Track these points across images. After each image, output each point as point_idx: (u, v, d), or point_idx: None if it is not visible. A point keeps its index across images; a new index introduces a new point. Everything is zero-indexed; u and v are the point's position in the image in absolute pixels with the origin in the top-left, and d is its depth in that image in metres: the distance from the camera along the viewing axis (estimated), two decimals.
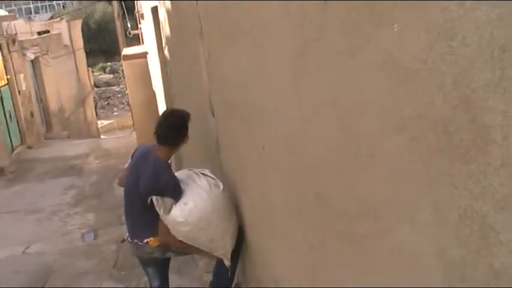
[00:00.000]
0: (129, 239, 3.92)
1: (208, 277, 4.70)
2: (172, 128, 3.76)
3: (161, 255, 3.89)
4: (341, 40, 1.72)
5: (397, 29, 1.36)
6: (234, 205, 3.88)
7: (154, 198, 3.55)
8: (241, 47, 3.06)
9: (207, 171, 3.92)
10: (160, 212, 3.57)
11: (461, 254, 1.29)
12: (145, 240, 3.78)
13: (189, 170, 3.95)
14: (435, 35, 1.20)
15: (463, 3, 1.10)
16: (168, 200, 3.61)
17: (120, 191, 9.14)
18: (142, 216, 3.74)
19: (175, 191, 3.66)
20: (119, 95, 33.14)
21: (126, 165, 3.99)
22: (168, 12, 6.56)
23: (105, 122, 27.77)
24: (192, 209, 3.58)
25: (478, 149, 1.13)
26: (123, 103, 31.73)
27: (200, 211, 3.60)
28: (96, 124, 25.45)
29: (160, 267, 4.03)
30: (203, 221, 3.61)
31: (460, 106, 1.17)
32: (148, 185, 3.64)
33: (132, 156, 3.94)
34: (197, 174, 3.87)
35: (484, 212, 1.16)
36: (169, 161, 3.87)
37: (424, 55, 1.25)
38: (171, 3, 6.14)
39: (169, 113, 4.02)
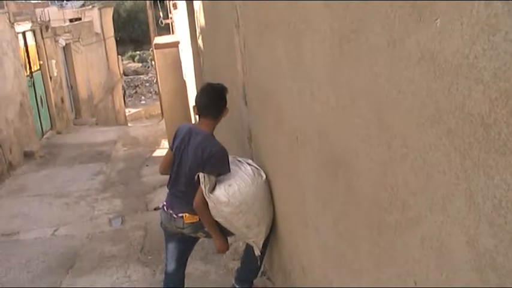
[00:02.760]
0: (164, 207, 3.93)
1: (234, 265, 4.76)
2: (214, 99, 3.82)
3: (191, 233, 3.90)
4: (381, 33, 1.75)
5: (439, 24, 1.40)
6: (271, 197, 3.92)
7: (201, 175, 3.59)
8: (279, 38, 3.10)
9: (250, 161, 3.97)
10: (205, 190, 3.58)
11: (494, 243, 1.32)
12: (180, 214, 3.80)
13: (233, 157, 3.98)
14: (478, 30, 1.24)
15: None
16: (214, 179, 3.66)
17: (147, 178, 9.34)
18: (186, 192, 3.77)
19: (224, 161, 3.73)
20: (147, 84, 33.34)
21: (166, 150, 4.03)
22: (203, 1, 6.62)
23: (133, 111, 27.94)
24: (235, 191, 3.63)
25: None
26: (150, 92, 31.94)
27: (243, 195, 3.65)
28: (124, 112, 25.60)
29: (183, 245, 4.02)
30: (244, 205, 3.65)
31: (499, 99, 1.20)
32: (196, 156, 3.69)
33: (174, 137, 3.95)
34: (241, 161, 3.93)
35: None
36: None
37: (466, 49, 1.29)
38: None
39: (209, 86, 4.02)
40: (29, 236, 7.01)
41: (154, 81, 25.17)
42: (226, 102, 3.84)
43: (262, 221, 3.82)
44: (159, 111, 19.27)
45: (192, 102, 7.74)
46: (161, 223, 4.01)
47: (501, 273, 1.31)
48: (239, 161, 3.95)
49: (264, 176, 3.84)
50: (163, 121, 13.66)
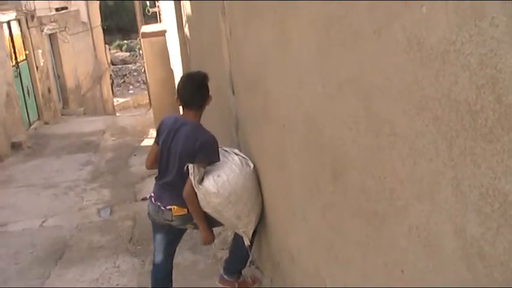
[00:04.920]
0: (152, 199, 3.89)
1: (223, 254, 4.75)
2: (197, 90, 3.76)
3: (179, 225, 3.87)
4: (367, 19, 1.74)
5: (425, 10, 1.38)
6: (259, 187, 3.89)
7: (190, 166, 3.55)
8: (264, 25, 3.07)
9: (237, 150, 3.95)
10: (194, 181, 3.56)
11: (481, 231, 1.31)
12: (168, 207, 3.77)
13: (220, 147, 3.91)
14: (464, 16, 1.22)
15: None
16: (203, 170, 3.63)
17: (135, 168, 9.30)
18: (175, 184, 3.73)
19: (215, 150, 3.70)
20: (135, 73, 33.16)
21: (152, 142, 3.99)
22: None
23: (121, 100, 27.79)
24: (224, 181, 3.61)
25: (503, 129, 1.15)
26: (139, 81, 31.77)
27: (232, 185, 3.63)
28: (112, 102, 25.48)
29: (171, 236, 3.99)
30: (234, 195, 3.63)
31: (486, 86, 1.19)
32: (187, 146, 3.64)
33: (158, 131, 3.91)
34: (228, 151, 3.91)
35: (506, 190, 1.18)
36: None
37: (452, 36, 1.27)
38: None
39: (189, 76, 3.98)
40: (17, 228, 6.96)
41: (143, 70, 25.03)
42: (208, 90, 3.80)
43: (252, 211, 3.81)
44: (148, 101, 19.20)
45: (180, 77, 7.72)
46: (148, 214, 3.97)
47: (488, 262, 1.30)
48: (226, 150, 3.92)
49: (252, 166, 3.82)
50: (151, 110, 13.62)
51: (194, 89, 3.76)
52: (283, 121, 2.96)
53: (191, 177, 3.56)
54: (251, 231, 3.88)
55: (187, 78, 3.90)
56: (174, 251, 4.09)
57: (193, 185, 3.56)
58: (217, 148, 3.74)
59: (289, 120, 2.86)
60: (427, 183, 1.53)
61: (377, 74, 1.73)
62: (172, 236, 4.00)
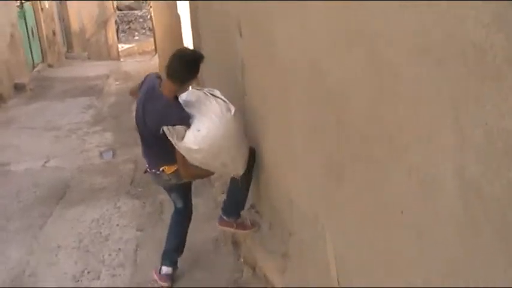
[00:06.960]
0: (148, 169, 3.98)
1: (222, 198, 4.79)
2: (184, 64, 3.69)
3: (178, 181, 3.94)
4: None
5: None
6: (244, 128, 3.90)
7: (165, 128, 3.56)
8: None
9: (217, 92, 3.89)
10: (174, 140, 3.59)
11: (480, 171, 1.32)
12: (161, 169, 3.84)
13: (199, 89, 3.90)
14: None
15: None
16: (180, 128, 3.62)
17: None
18: (156, 146, 3.78)
19: (183, 123, 3.66)
20: (141, 20, 32.80)
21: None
22: None
23: (126, 46, 27.58)
24: (204, 136, 3.60)
25: (510, 64, 1.14)
26: (144, 28, 31.48)
27: (212, 138, 3.62)
28: (117, 47, 25.31)
29: (181, 191, 4.10)
30: (215, 147, 3.65)
31: (492, 24, 1.18)
32: (156, 122, 3.64)
33: (140, 86, 3.93)
34: (207, 95, 3.85)
35: (510, 128, 1.18)
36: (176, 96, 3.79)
37: None
38: None
39: (183, 50, 4.01)
40: (19, 167, 7.00)
41: (149, 17, 24.79)
42: (198, 70, 3.76)
43: (238, 156, 3.83)
44: (153, 48, 19.08)
45: (185, 37, 7.66)
46: (153, 182, 4.19)
47: (486, 200, 1.31)
48: (205, 94, 3.86)
49: (233, 110, 3.74)
50: (156, 57, 13.53)
51: (181, 64, 3.67)
52: (288, 66, 2.94)
53: (170, 138, 3.57)
54: (242, 171, 3.92)
55: (180, 52, 3.85)
56: (191, 198, 4.22)
57: (174, 144, 3.59)
58: (187, 120, 3.66)
59: (294, 65, 2.85)
60: (428, 125, 1.54)
61: (380, 18, 1.73)
62: (182, 189, 4.07)
